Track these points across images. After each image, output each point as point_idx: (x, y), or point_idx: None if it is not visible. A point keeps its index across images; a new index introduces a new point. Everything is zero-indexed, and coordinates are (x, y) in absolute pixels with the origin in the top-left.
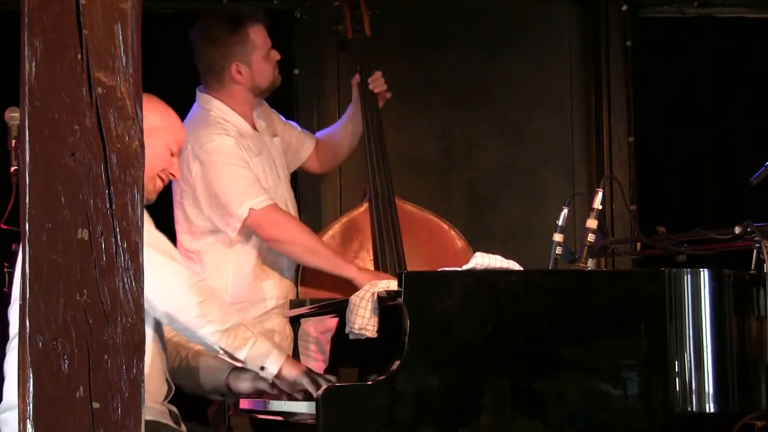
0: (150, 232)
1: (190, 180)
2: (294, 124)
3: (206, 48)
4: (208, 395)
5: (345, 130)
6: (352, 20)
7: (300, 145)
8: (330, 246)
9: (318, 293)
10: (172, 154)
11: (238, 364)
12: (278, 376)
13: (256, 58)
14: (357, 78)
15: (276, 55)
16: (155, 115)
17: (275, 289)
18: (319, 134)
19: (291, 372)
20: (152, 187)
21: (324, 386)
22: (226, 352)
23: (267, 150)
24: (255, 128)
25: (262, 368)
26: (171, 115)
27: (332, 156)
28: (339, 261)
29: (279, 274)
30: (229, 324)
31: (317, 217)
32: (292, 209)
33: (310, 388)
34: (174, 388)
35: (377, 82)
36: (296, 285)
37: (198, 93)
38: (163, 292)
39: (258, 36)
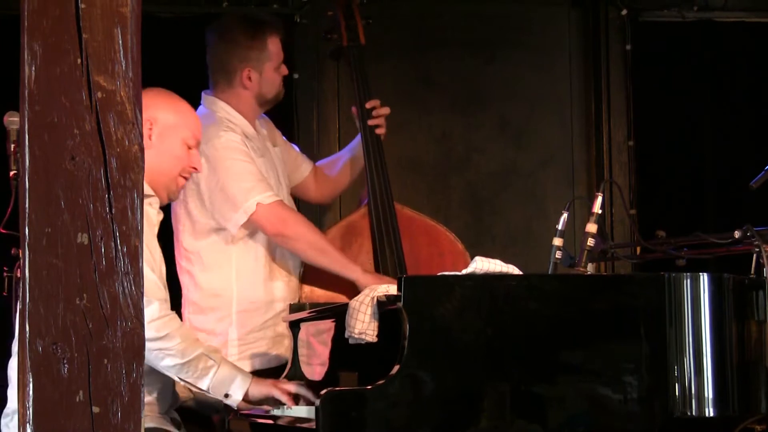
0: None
1: (194, 176)
2: (294, 146)
3: (222, 47)
4: (202, 410)
5: (349, 164)
6: (347, 29)
7: (296, 167)
8: (335, 239)
9: (320, 292)
10: (189, 148)
11: (201, 392)
12: (245, 399)
13: (269, 68)
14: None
15: (285, 70)
16: (166, 111)
17: (284, 291)
18: (320, 163)
19: (259, 392)
20: (175, 186)
21: (295, 391)
22: (186, 382)
23: (269, 154)
24: (257, 133)
25: (227, 395)
26: (183, 107)
27: (332, 186)
28: (345, 262)
29: (287, 276)
30: (191, 356)
31: (317, 220)
32: None
33: (283, 399)
34: (180, 399)
35: (379, 115)
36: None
37: (204, 95)
38: None
39: (274, 46)
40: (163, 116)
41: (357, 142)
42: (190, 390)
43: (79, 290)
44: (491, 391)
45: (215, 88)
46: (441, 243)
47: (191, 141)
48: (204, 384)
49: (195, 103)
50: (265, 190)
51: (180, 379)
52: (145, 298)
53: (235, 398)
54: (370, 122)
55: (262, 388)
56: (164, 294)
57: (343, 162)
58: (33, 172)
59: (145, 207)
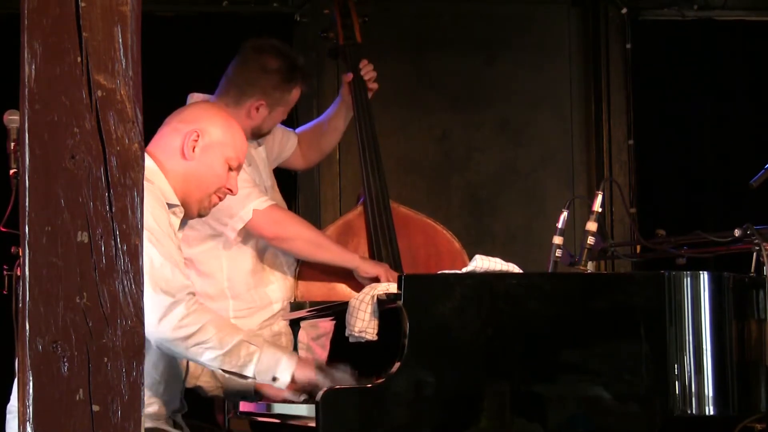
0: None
1: None
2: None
3: (254, 69)
4: (230, 398)
5: (331, 126)
6: (343, 27)
7: (284, 145)
8: (331, 238)
9: (316, 288)
10: (230, 169)
11: (249, 381)
12: (292, 381)
13: (279, 112)
14: (349, 76)
15: (286, 115)
16: (216, 127)
17: (280, 291)
18: (300, 129)
19: (305, 374)
20: (208, 203)
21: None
22: (232, 373)
23: (255, 162)
24: None
25: (275, 379)
26: (235, 127)
27: (317, 152)
28: (342, 252)
29: (281, 276)
30: (230, 345)
31: (317, 219)
32: None
33: (326, 383)
34: (186, 407)
35: (367, 68)
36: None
37: (191, 100)
38: (152, 331)
39: (295, 96)
40: (212, 130)
41: (334, 109)
42: (217, 379)
43: (79, 289)
44: (491, 390)
45: (222, 95)
46: (438, 241)
47: (234, 162)
48: (249, 371)
49: None
50: (259, 195)
51: (224, 371)
52: (171, 299)
53: (284, 380)
54: (365, 77)
55: (308, 371)
56: (193, 287)
57: (326, 121)
58: (33, 171)
59: (170, 215)
